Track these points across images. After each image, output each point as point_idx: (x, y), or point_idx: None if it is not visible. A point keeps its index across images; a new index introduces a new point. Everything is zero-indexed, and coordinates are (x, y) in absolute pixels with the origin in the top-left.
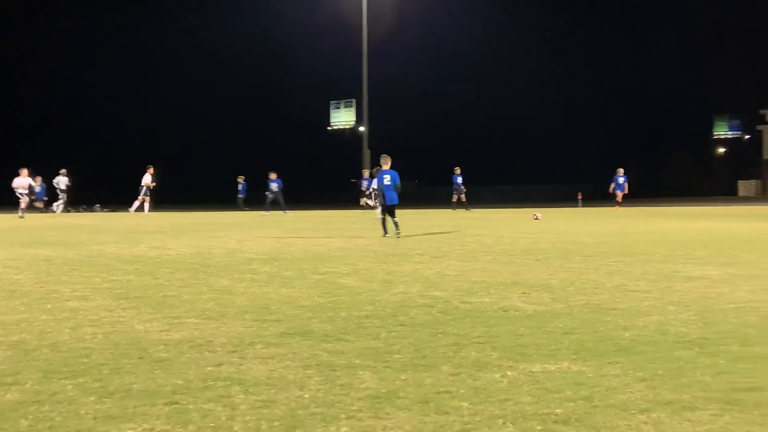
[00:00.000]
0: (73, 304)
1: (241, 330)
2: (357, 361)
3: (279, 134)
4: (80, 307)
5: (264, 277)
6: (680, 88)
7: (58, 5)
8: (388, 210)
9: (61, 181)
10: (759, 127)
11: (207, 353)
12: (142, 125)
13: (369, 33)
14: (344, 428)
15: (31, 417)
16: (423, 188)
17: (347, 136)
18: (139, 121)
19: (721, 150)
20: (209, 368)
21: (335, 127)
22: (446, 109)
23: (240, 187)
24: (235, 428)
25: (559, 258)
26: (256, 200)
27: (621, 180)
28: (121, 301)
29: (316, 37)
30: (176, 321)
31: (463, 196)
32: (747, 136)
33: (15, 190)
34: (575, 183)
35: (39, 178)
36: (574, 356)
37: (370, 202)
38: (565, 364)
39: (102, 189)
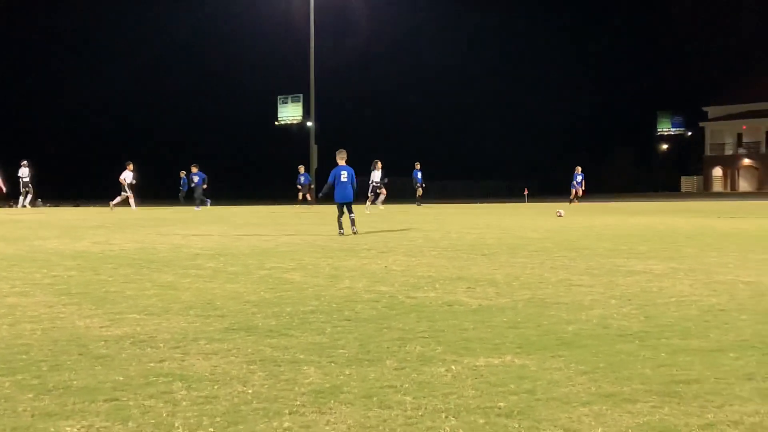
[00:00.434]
0: (12, 300)
1: (184, 326)
2: (301, 356)
3: (225, 128)
4: (19, 303)
5: (209, 273)
6: (623, 85)
7: None
8: (346, 207)
9: (24, 174)
10: (702, 124)
11: (149, 349)
12: (82, 120)
13: (316, 27)
14: (287, 423)
15: None
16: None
17: (295, 130)
18: (78, 116)
19: (664, 146)
20: (151, 364)
21: (282, 122)
22: (394, 105)
23: (182, 181)
24: (176, 424)
25: (504, 253)
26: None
27: (579, 178)
28: (62, 297)
29: (263, 29)
30: (118, 317)
31: (420, 191)
32: (689, 133)
33: None
34: (521, 178)
35: None
36: (518, 350)
37: (305, 197)
38: (509, 357)
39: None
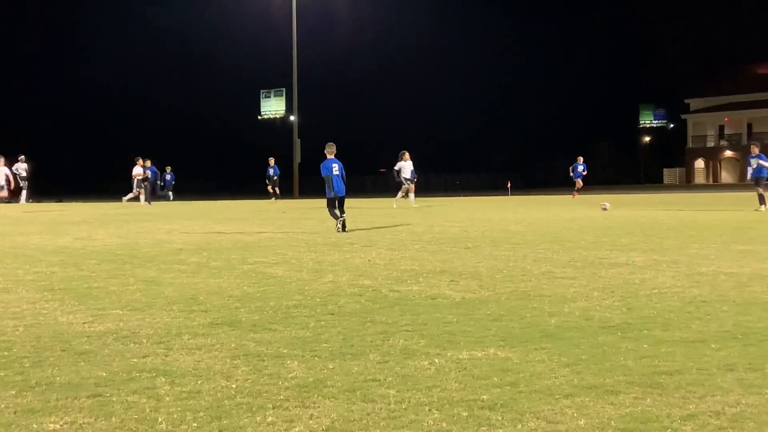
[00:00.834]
0: None
1: (168, 321)
2: (285, 351)
3: (208, 123)
4: (1, 299)
5: (192, 268)
6: (605, 77)
7: None
8: (340, 201)
9: (21, 168)
10: (684, 116)
11: (132, 345)
12: (64, 114)
13: (298, 21)
14: (270, 418)
15: None
16: (354, 177)
17: (278, 125)
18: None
19: (647, 139)
20: (134, 360)
21: (265, 116)
22: (377, 99)
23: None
24: (160, 419)
25: (487, 246)
26: (184, 189)
27: (580, 168)
28: (45, 293)
29: (246, 24)
30: (101, 313)
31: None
32: (672, 125)
33: None
34: (504, 171)
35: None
36: (501, 343)
37: (274, 190)
38: (492, 350)
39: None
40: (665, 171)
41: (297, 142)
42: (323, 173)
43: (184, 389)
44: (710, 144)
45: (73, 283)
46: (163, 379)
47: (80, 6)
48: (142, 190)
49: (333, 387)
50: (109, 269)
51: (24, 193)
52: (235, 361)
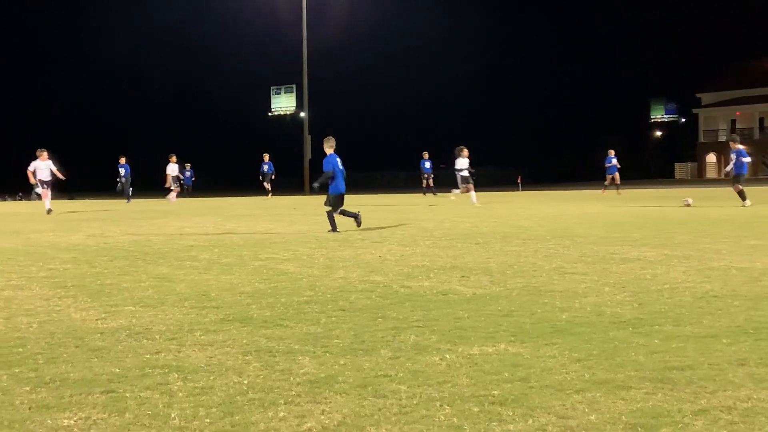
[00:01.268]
0: (8, 294)
1: (180, 317)
2: (296, 347)
3: (219, 119)
4: (15, 296)
5: (203, 264)
6: (616, 71)
7: None
8: (341, 201)
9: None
10: (695, 110)
11: (145, 341)
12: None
13: (309, 17)
14: (282, 413)
15: None
16: (363, 174)
17: (288, 121)
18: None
19: (658, 133)
20: (147, 356)
21: (276, 113)
22: (388, 95)
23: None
24: (173, 415)
25: (498, 241)
26: (195, 185)
27: (614, 161)
28: (58, 290)
29: (256, 21)
30: (114, 309)
31: (430, 181)
32: (683, 120)
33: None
34: (514, 166)
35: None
36: (512, 338)
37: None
38: (503, 346)
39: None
40: (676, 165)
41: (308, 139)
42: (327, 168)
43: (196, 385)
44: (722, 138)
45: (86, 280)
46: (176, 375)
47: (92, 5)
48: (175, 188)
49: (344, 383)
50: (122, 266)
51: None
52: (247, 357)
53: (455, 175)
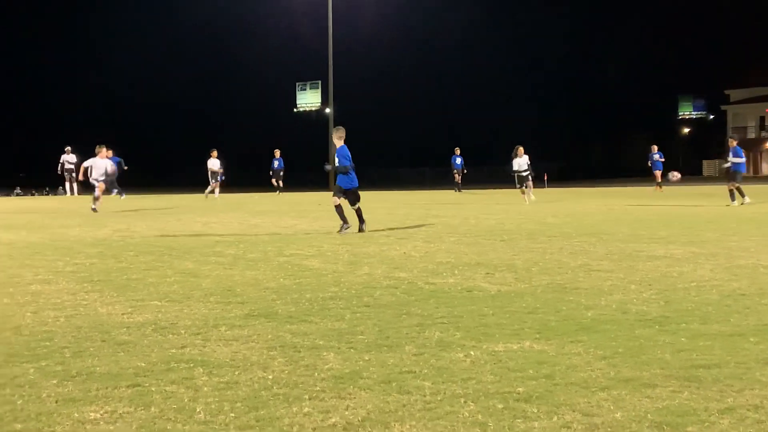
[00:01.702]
0: (36, 288)
1: (205, 312)
2: (321, 342)
3: (244, 116)
4: (42, 290)
5: (229, 260)
6: (644, 68)
7: None
8: (357, 196)
9: (67, 160)
10: (723, 107)
11: (170, 336)
12: (97, 104)
13: (334, 12)
14: (307, 408)
15: None
16: (389, 170)
17: (313, 117)
18: (92, 100)
19: (686, 130)
20: (172, 350)
21: (301, 109)
22: (414, 90)
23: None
24: (198, 409)
25: (523, 238)
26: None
27: (656, 156)
28: (84, 285)
29: (281, 16)
30: (140, 304)
31: (457, 177)
32: (711, 116)
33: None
34: (541, 163)
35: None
36: (537, 335)
37: (278, 183)
38: (528, 343)
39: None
40: (704, 162)
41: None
42: (344, 163)
43: (221, 380)
44: (751, 135)
45: (112, 274)
46: (201, 370)
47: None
48: (216, 183)
49: (369, 378)
50: (147, 261)
51: (68, 185)
52: (272, 353)
53: (513, 176)
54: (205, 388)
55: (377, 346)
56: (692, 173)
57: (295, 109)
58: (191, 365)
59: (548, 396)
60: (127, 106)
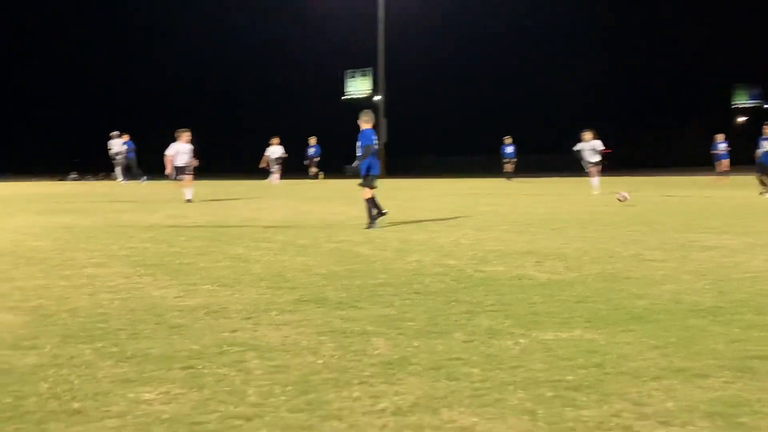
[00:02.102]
0: (91, 271)
1: (255, 297)
2: (370, 328)
3: (293, 103)
4: (98, 273)
5: (279, 245)
6: (698, 55)
7: None
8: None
9: (115, 145)
10: None
11: (222, 319)
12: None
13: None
14: (356, 393)
15: (50, 380)
16: (440, 158)
17: (363, 105)
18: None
19: (741, 119)
20: (224, 334)
21: (350, 97)
22: (467, 77)
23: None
24: (249, 392)
25: (574, 227)
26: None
27: (722, 146)
28: (138, 268)
29: (332, 3)
30: (192, 288)
31: (509, 166)
32: (767, 105)
33: None
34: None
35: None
36: (587, 324)
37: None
38: (578, 332)
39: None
40: (758, 152)
41: (383, 122)
42: (365, 143)
43: (272, 363)
44: None
45: (164, 258)
46: (252, 354)
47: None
48: (277, 170)
49: (418, 365)
50: (199, 246)
51: (117, 170)
52: (322, 338)
53: (582, 163)
54: (257, 372)
55: (426, 333)
56: (747, 163)
57: (343, 97)
58: (243, 349)
59: (598, 385)
60: (178, 99)
